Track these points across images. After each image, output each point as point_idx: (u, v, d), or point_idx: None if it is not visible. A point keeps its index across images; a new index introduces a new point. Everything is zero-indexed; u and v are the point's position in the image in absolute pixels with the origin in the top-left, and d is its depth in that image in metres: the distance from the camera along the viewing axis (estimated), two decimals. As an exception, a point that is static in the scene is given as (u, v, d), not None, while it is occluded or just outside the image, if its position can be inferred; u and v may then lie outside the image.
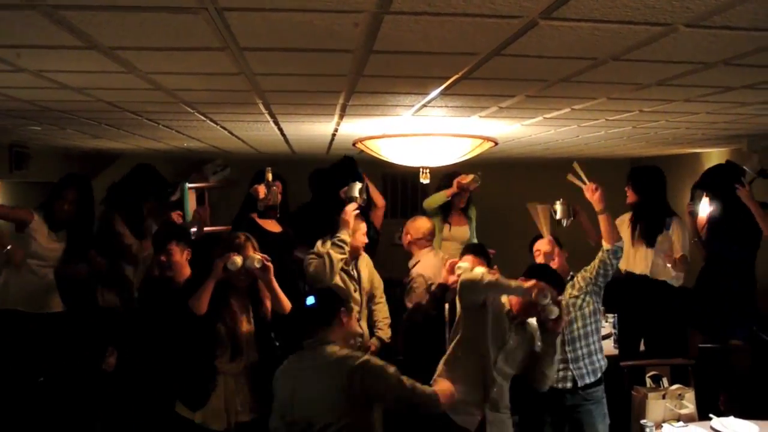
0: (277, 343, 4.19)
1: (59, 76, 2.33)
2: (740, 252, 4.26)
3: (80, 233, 4.28)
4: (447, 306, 3.62)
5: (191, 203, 4.63)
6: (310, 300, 2.83)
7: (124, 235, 4.21)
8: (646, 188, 4.41)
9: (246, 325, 3.16)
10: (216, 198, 6.57)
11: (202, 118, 3.47)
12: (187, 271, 3.51)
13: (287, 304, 3.26)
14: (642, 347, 4.50)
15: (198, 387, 3.06)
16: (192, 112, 3.23)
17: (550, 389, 3.30)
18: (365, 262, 4.26)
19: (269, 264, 3.14)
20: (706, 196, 4.42)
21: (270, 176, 4.21)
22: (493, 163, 7.09)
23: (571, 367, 3.40)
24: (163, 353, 3.25)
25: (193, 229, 4.75)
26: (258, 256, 3.12)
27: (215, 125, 3.82)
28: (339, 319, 2.83)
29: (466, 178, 4.94)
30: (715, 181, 4.36)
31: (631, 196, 4.47)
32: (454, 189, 5.00)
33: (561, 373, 3.39)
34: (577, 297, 3.44)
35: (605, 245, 3.38)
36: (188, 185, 4.61)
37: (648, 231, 4.35)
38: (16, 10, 1.49)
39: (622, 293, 4.46)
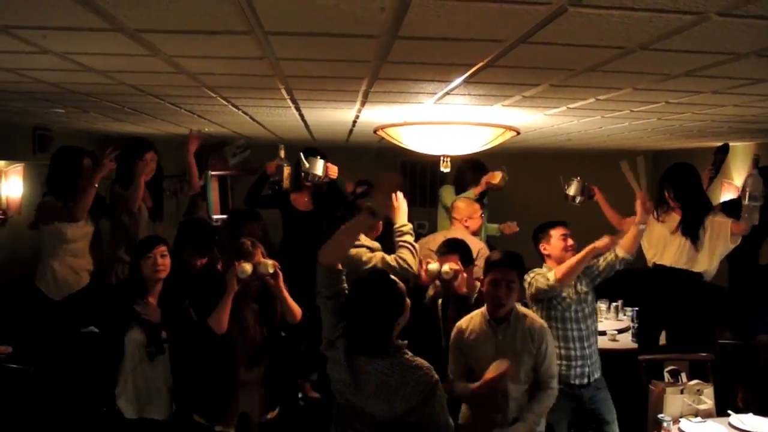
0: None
1: (84, 59, 2.35)
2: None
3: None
4: (440, 302, 3.56)
5: (214, 191, 4.62)
6: None
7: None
8: (686, 191, 4.22)
9: (259, 333, 3.14)
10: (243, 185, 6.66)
11: (224, 102, 3.48)
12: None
13: (298, 312, 3.16)
14: (663, 341, 4.45)
15: (217, 399, 3.06)
16: (214, 96, 3.24)
17: (568, 386, 3.30)
18: None
19: (280, 271, 3.07)
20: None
21: (282, 153, 4.17)
22: (514, 152, 7.05)
23: (588, 363, 3.40)
24: (182, 363, 3.24)
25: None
26: (270, 261, 3.05)
27: (237, 110, 3.83)
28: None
29: (495, 177, 4.87)
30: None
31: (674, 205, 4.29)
32: (481, 187, 4.95)
33: (579, 370, 3.38)
34: (587, 293, 3.45)
35: (623, 254, 3.39)
36: (211, 173, 4.59)
37: (692, 226, 4.20)
38: (44, -10, 1.50)
39: (647, 285, 4.39)
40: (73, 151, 4.05)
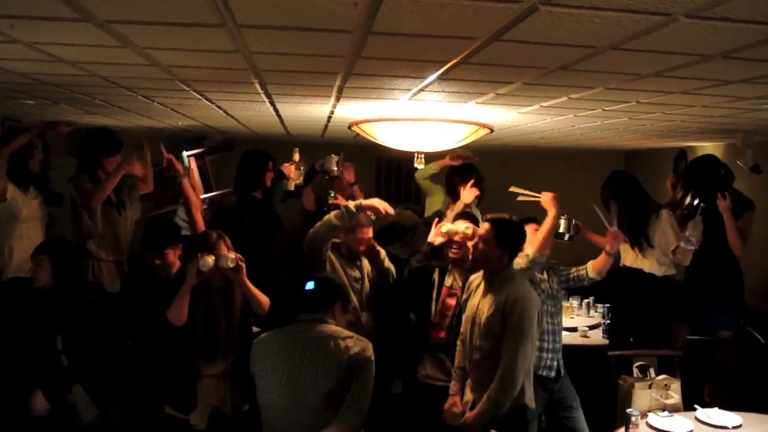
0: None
1: (54, 49, 2.31)
2: (727, 246, 4.29)
3: (46, 181, 4.28)
4: (437, 270, 3.68)
5: (193, 172, 4.63)
6: (310, 285, 2.80)
7: (93, 194, 4.09)
8: (621, 195, 4.44)
9: (223, 326, 3.12)
10: (216, 166, 6.68)
11: (198, 96, 3.45)
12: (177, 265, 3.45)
13: (265, 302, 3.17)
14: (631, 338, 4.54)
15: (182, 390, 3.04)
16: (187, 89, 3.21)
17: (539, 378, 3.36)
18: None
19: (242, 264, 3.07)
20: (691, 190, 4.41)
21: (297, 156, 4.42)
22: (488, 150, 7.08)
23: (557, 357, 3.48)
24: (146, 355, 3.20)
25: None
26: (231, 255, 3.03)
27: (210, 104, 3.80)
28: (333, 310, 2.87)
29: (462, 151, 4.94)
30: (702, 176, 4.36)
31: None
32: (446, 161, 5.00)
33: (548, 362, 3.45)
34: (558, 290, 3.58)
35: (593, 274, 3.61)
36: (186, 153, 4.60)
37: (633, 232, 4.39)
38: (11, -21, 1.47)
39: (613, 285, 4.49)
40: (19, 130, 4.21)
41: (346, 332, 2.82)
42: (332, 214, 3.56)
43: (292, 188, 4.48)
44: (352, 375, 2.69)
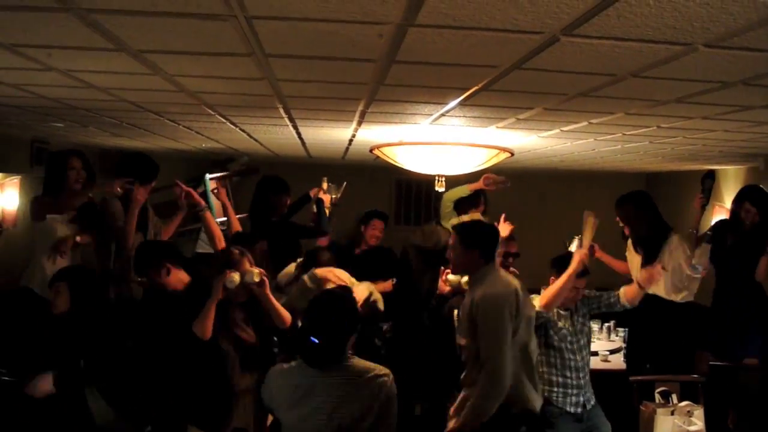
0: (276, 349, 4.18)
1: (86, 76, 2.39)
2: (751, 270, 4.24)
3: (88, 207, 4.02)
4: (456, 312, 3.63)
5: (215, 195, 4.68)
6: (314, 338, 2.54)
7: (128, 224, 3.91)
8: (634, 216, 4.40)
9: (250, 339, 3.14)
10: (237, 187, 6.77)
11: (223, 120, 3.52)
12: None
13: (287, 317, 3.16)
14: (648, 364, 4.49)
15: (218, 409, 3.04)
16: (213, 114, 3.28)
17: (566, 415, 3.30)
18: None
19: (266, 279, 3.08)
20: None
21: (326, 186, 4.65)
22: (507, 173, 7.10)
23: (582, 392, 3.38)
24: (170, 377, 3.19)
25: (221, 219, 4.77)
26: (256, 270, 3.05)
27: (234, 127, 3.87)
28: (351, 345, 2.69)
29: (497, 177, 4.87)
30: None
31: (626, 229, 4.48)
32: (479, 184, 4.92)
33: (574, 399, 3.36)
34: (584, 324, 3.45)
35: (624, 301, 3.51)
36: (209, 176, 4.65)
37: (648, 255, 4.34)
38: (52, 12, 1.53)
39: (634, 309, 4.45)
40: (60, 153, 4.10)
41: (372, 367, 2.57)
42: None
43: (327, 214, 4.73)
44: (382, 410, 2.49)
